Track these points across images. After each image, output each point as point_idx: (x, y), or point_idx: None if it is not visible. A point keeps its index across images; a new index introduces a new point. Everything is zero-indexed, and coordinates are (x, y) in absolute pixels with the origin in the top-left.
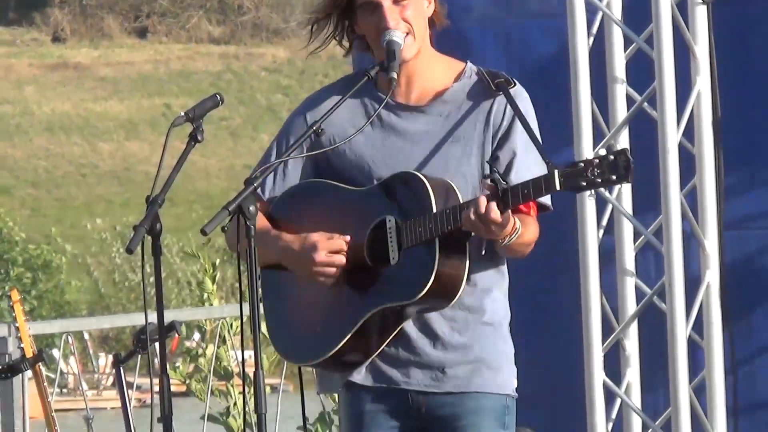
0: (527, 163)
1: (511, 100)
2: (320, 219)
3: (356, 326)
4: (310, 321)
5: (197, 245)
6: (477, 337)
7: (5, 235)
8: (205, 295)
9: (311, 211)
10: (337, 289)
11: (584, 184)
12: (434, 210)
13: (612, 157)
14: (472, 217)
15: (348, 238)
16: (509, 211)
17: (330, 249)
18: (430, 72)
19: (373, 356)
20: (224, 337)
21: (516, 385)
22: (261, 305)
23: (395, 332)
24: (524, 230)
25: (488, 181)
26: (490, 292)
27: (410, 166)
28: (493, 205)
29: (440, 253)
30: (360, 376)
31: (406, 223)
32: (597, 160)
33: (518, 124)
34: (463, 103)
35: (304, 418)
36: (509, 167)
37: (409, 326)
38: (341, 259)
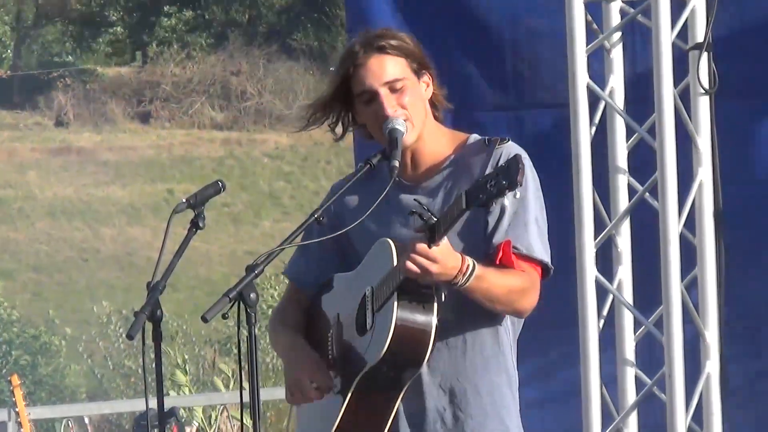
0: (525, 219)
1: (490, 156)
2: (329, 311)
3: (341, 410)
4: (315, 408)
5: (172, 337)
6: (478, 412)
7: (5, 318)
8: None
9: (326, 301)
10: (334, 371)
11: (483, 197)
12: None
13: (505, 165)
14: (407, 261)
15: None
16: (448, 245)
17: (309, 378)
18: (435, 147)
19: None
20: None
21: None
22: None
23: (392, 412)
24: (493, 276)
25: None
26: (489, 360)
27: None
28: (420, 243)
29: (399, 307)
30: None
31: (377, 287)
32: (495, 173)
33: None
34: (459, 170)
35: None
36: (497, 226)
37: (408, 404)
38: (308, 397)
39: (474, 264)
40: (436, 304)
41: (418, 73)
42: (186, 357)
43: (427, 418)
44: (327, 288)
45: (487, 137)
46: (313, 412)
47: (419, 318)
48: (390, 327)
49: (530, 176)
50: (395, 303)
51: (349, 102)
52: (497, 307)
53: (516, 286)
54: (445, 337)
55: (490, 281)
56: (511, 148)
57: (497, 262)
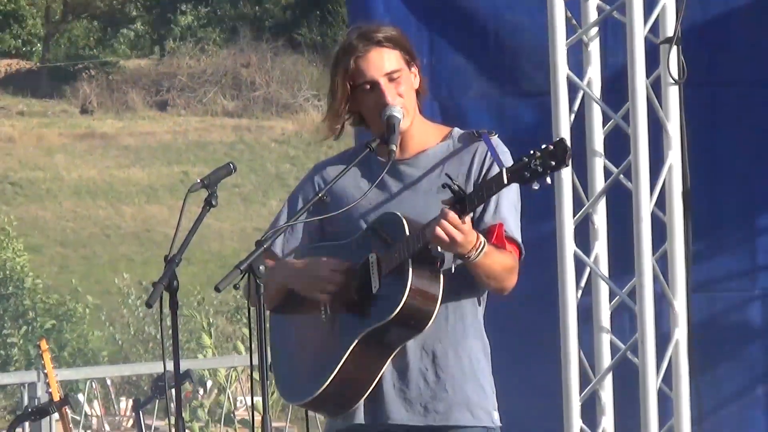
0: (507, 204)
1: (490, 145)
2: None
3: (342, 359)
4: (305, 361)
5: (198, 303)
6: (458, 372)
7: (33, 288)
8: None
9: None
10: (329, 329)
11: (528, 174)
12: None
13: (551, 147)
14: (436, 227)
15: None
16: (470, 220)
17: (332, 267)
18: (421, 136)
19: (366, 395)
20: (224, 386)
21: (497, 417)
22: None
23: (383, 368)
24: (495, 255)
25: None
26: (470, 331)
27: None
28: (452, 213)
29: (413, 271)
30: (355, 416)
31: (385, 254)
32: (538, 153)
33: (495, 171)
34: (448, 156)
35: None
36: (486, 208)
37: (393, 363)
38: (341, 278)
39: (485, 241)
40: (442, 275)
41: (408, 65)
42: (211, 320)
43: (411, 375)
44: (312, 255)
45: (475, 130)
46: (293, 367)
47: (430, 286)
48: (405, 289)
49: (509, 159)
50: (410, 268)
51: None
52: (491, 283)
53: (508, 265)
54: (440, 303)
55: (493, 259)
56: (498, 141)
57: (490, 243)
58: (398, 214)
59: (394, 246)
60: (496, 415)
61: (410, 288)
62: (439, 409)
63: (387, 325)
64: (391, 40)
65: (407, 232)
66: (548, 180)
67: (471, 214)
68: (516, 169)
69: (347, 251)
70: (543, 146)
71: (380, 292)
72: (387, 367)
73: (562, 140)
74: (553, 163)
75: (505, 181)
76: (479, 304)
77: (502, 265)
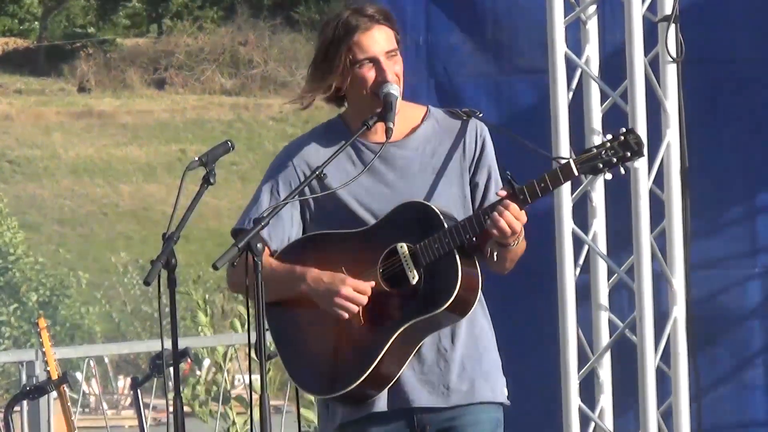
0: (499, 181)
1: (482, 123)
2: (328, 267)
3: (382, 352)
4: (331, 355)
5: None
6: (474, 350)
7: (31, 267)
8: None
9: (316, 261)
10: (359, 320)
11: (601, 165)
12: (445, 227)
13: (622, 137)
14: (500, 218)
15: (373, 283)
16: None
17: (357, 288)
18: (405, 117)
19: (392, 382)
20: (220, 364)
21: (506, 393)
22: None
23: (410, 357)
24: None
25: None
26: (477, 308)
27: (396, 199)
28: (515, 204)
29: (462, 262)
30: (379, 405)
31: (419, 244)
32: (608, 143)
33: (488, 148)
34: (436, 136)
35: None
36: (487, 186)
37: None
38: (364, 299)
39: (523, 229)
40: (476, 260)
41: (398, 44)
42: (207, 298)
43: (430, 358)
44: (311, 245)
45: (458, 109)
46: (315, 361)
47: (473, 272)
48: (456, 280)
49: (489, 142)
50: (458, 258)
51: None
52: (509, 265)
53: (522, 252)
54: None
55: (520, 245)
56: (483, 124)
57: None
58: (430, 204)
59: (432, 236)
60: (506, 392)
61: (462, 278)
62: (463, 388)
63: (434, 316)
64: (387, 19)
65: (444, 223)
66: (622, 170)
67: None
68: (585, 160)
69: (362, 241)
70: (612, 136)
71: (422, 283)
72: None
73: (632, 130)
74: (629, 154)
75: (576, 173)
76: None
77: (521, 248)
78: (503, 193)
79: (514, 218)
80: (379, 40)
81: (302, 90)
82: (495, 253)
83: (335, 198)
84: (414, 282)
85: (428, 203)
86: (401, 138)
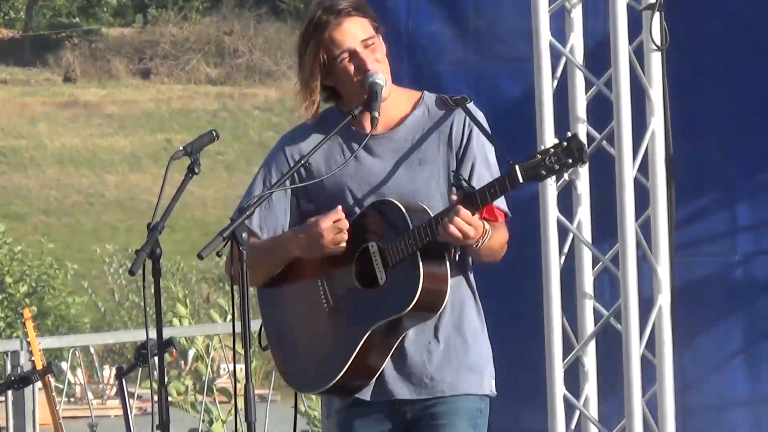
0: (485, 173)
1: (468, 113)
2: (307, 262)
3: (356, 350)
4: (313, 352)
5: (178, 270)
6: (461, 343)
7: (16, 257)
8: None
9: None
10: (335, 318)
11: (544, 172)
12: (410, 229)
13: (565, 143)
14: (449, 224)
15: (340, 207)
16: (478, 214)
17: (329, 219)
18: (395, 104)
19: (377, 375)
20: (202, 355)
21: (494, 385)
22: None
23: (392, 351)
24: (494, 233)
25: (454, 189)
26: (466, 300)
27: (383, 191)
28: (465, 210)
29: (424, 264)
30: (363, 393)
31: (388, 245)
32: (552, 149)
33: (474, 138)
34: (425, 126)
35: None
36: (470, 179)
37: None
38: (345, 224)
39: (489, 229)
40: (448, 261)
41: (377, 31)
42: (186, 291)
43: (414, 351)
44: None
45: (447, 96)
46: (300, 357)
47: (439, 271)
48: (418, 282)
49: (484, 123)
50: (420, 260)
51: (324, 68)
52: (487, 260)
53: (504, 240)
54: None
55: (494, 239)
56: (474, 108)
57: (481, 216)
58: (397, 203)
59: (398, 238)
60: (493, 384)
61: (423, 280)
62: (446, 379)
63: (401, 317)
64: (359, 9)
65: (411, 225)
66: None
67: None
68: (530, 167)
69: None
70: (556, 143)
71: (388, 284)
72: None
73: (575, 136)
74: (570, 160)
75: (521, 180)
76: (469, 268)
77: (499, 242)
78: (455, 198)
79: (465, 223)
80: (352, 32)
81: (300, 99)
82: (457, 255)
83: (324, 188)
84: (382, 283)
85: (399, 203)
86: (391, 126)
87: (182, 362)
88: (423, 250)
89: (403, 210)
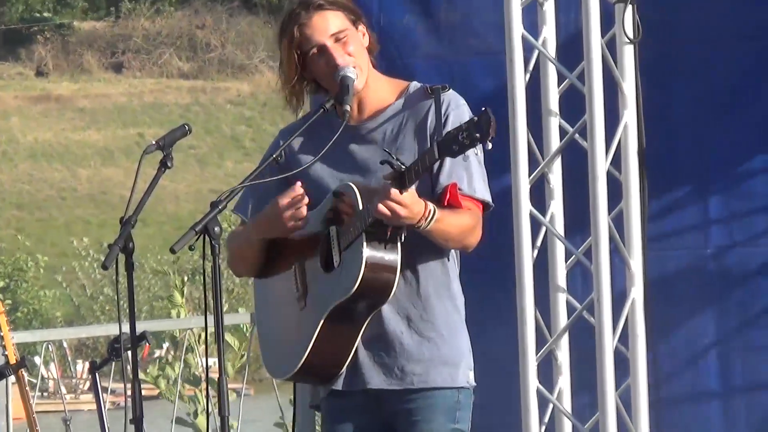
0: (459, 163)
1: (443, 102)
2: (284, 248)
3: (314, 335)
4: (283, 337)
5: (168, 263)
6: (435, 335)
7: None
8: (175, 308)
9: (274, 241)
10: (302, 303)
11: (456, 147)
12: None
13: (476, 119)
14: (378, 203)
15: (299, 183)
16: (414, 193)
17: (287, 197)
18: (377, 93)
19: (346, 364)
20: (192, 346)
21: (472, 377)
22: (253, 320)
23: (358, 337)
24: (450, 218)
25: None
26: (442, 292)
27: (367, 178)
28: (393, 188)
29: (367, 246)
30: (336, 383)
31: (344, 228)
32: (465, 125)
33: (450, 127)
34: (404, 115)
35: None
36: (440, 168)
37: (371, 328)
38: (304, 199)
39: (435, 209)
40: (399, 244)
41: (355, 24)
42: (186, 279)
43: (387, 340)
44: None
45: (428, 85)
46: (274, 343)
47: (386, 256)
48: (361, 265)
49: (467, 118)
50: (363, 243)
51: (301, 64)
52: (450, 244)
53: (466, 225)
54: (400, 270)
55: (446, 222)
56: (453, 96)
57: (445, 204)
58: (352, 185)
59: (350, 220)
60: (471, 375)
61: (366, 263)
62: (417, 371)
63: (349, 301)
64: (333, 2)
65: (360, 207)
66: (489, 146)
67: (413, 186)
68: (443, 143)
69: (310, 223)
70: (469, 119)
71: (341, 267)
72: (364, 335)
73: (485, 111)
74: (478, 135)
75: (437, 155)
76: (449, 260)
77: (458, 227)
78: (385, 175)
79: (393, 203)
80: (320, 27)
81: (284, 96)
82: (403, 235)
83: (310, 177)
84: (336, 266)
85: (354, 185)
86: (369, 116)
87: (156, 352)
88: (370, 233)
89: (356, 191)
